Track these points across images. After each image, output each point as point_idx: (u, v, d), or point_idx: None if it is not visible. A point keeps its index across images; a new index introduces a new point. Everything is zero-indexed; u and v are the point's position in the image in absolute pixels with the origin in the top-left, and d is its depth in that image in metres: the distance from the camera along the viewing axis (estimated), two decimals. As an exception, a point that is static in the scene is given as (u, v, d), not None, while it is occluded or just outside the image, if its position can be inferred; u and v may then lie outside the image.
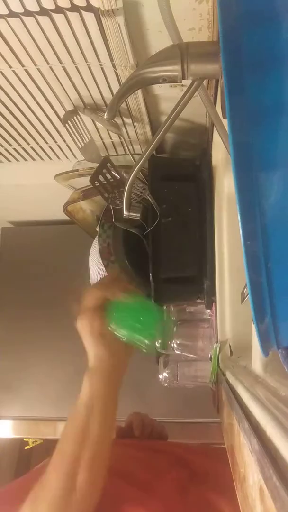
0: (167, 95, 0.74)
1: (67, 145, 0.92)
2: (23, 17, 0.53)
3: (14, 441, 1.56)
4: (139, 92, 0.70)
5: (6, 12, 0.51)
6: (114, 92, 0.70)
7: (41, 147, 0.93)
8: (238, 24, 0.26)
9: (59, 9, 0.51)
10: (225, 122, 0.34)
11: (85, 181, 0.93)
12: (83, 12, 0.51)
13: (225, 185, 0.75)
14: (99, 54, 0.60)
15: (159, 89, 0.73)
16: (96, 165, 0.84)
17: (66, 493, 0.47)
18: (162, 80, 0.40)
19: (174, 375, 1.06)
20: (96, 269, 1.01)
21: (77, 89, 0.71)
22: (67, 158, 0.98)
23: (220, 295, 0.78)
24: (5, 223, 1.57)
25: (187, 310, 1.10)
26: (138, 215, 0.60)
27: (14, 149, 0.93)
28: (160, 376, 1.08)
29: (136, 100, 0.73)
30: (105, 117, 0.43)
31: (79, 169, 0.96)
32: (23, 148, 0.93)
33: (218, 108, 0.50)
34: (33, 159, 0.99)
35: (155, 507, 0.57)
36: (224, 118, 0.39)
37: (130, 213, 0.54)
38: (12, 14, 0.52)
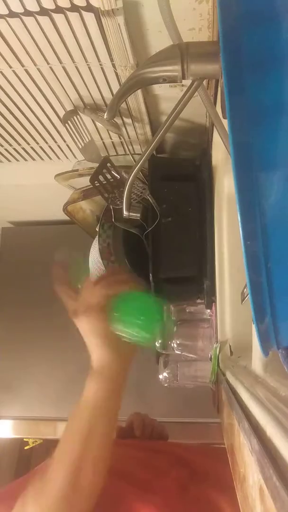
0: (167, 95, 0.74)
1: (67, 145, 0.92)
2: (23, 17, 0.53)
3: (14, 441, 1.56)
4: (139, 92, 0.70)
5: (6, 12, 0.51)
6: (114, 92, 0.70)
7: (41, 147, 0.93)
8: (238, 24, 0.26)
9: (59, 9, 0.51)
10: (225, 122, 0.34)
11: (85, 181, 0.93)
12: (83, 12, 0.51)
13: (225, 185, 0.75)
14: (99, 54, 0.60)
15: (159, 89, 0.73)
16: (96, 165, 0.84)
17: (70, 490, 0.47)
18: (162, 80, 0.40)
19: (174, 375, 1.06)
20: (96, 269, 1.01)
21: (77, 89, 0.71)
22: (67, 158, 0.98)
23: (220, 295, 0.78)
24: (5, 223, 1.57)
25: (187, 310, 1.10)
26: (138, 215, 0.60)
27: (14, 149, 0.93)
28: (160, 376, 1.08)
29: (136, 100, 0.73)
30: (105, 117, 0.43)
31: (79, 169, 0.96)
32: (23, 148, 0.93)
33: (218, 108, 0.50)
34: (33, 159, 0.99)
35: (155, 505, 0.57)
36: (224, 118, 0.39)
37: (130, 213, 0.54)
38: (12, 14, 0.52)
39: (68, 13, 0.51)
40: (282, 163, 0.25)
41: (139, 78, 0.41)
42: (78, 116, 0.79)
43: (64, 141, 0.90)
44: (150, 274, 0.79)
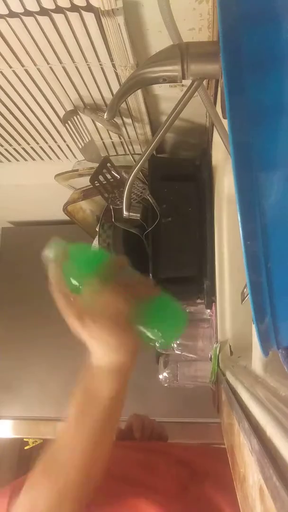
0: (167, 95, 0.74)
1: (67, 145, 0.92)
2: (23, 17, 0.53)
3: (14, 441, 1.56)
4: (139, 92, 0.70)
5: (6, 12, 0.51)
6: (114, 92, 0.70)
7: (41, 147, 0.93)
8: (238, 24, 0.26)
9: (59, 9, 0.51)
10: (225, 122, 0.34)
11: (85, 181, 0.93)
12: (83, 12, 0.51)
13: (225, 185, 0.75)
14: (99, 54, 0.60)
15: (159, 89, 0.73)
16: (96, 165, 0.84)
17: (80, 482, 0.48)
18: (162, 80, 0.40)
19: (174, 375, 1.06)
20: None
21: (77, 89, 0.71)
22: (67, 158, 0.98)
23: (220, 295, 0.78)
24: (5, 223, 1.57)
25: (187, 310, 1.10)
26: (138, 215, 0.60)
27: (14, 149, 0.93)
28: (160, 376, 1.08)
29: (136, 100, 0.73)
30: (105, 117, 0.43)
31: (79, 169, 0.96)
32: (23, 148, 0.93)
33: (218, 108, 0.50)
34: (33, 159, 0.99)
35: (160, 504, 0.57)
36: (224, 118, 0.39)
37: (130, 213, 0.54)
38: (12, 14, 0.52)
39: (68, 13, 0.52)
40: (282, 163, 0.25)
41: (139, 78, 0.41)
42: (78, 116, 0.79)
43: (64, 141, 0.90)
44: (150, 274, 0.79)
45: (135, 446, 0.85)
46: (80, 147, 0.88)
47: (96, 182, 0.82)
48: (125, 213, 0.54)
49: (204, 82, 0.50)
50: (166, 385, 1.08)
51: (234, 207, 0.24)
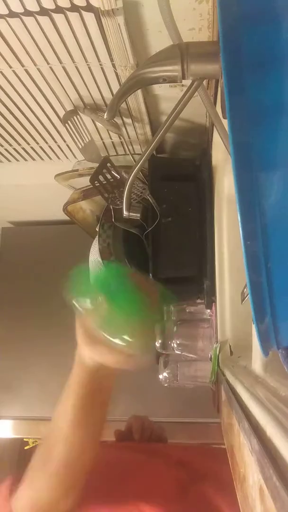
0: (167, 95, 0.74)
1: (67, 145, 0.92)
2: (23, 17, 0.53)
3: (14, 441, 1.56)
4: (139, 92, 0.70)
5: (6, 12, 0.51)
6: (114, 92, 0.70)
7: (41, 147, 0.93)
8: (238, 24, 0.26)
9: (59, 9, 0.51)
10: (225, 122, 0.34)
11: (85, 181, 0.93)
12: (83, 12, 0.51)
13: (225, 185, 0.75)
14: (99, 54, 0.60)
15: (159, 89, 0.73)
16: (96, 165, 0.84)
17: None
18: (162, 80, 0.40)
19: (174, 375, 1.06)
20: (96, 269, 1.01)
21: (77, 89, 0.71)
22: (67, 158, 0.98)
23: (220, 295, 0.78)
24: (5, 223, 1.57)
25: (187, 310, 1.10)
26: (138, 215, 0.60)
27: (14, 149, 0.93)
28: (160, 376, 1.08)
29: (136, 100, 0.73)
30: (105, 117, 0.43)
31: (79, 169, 0.96)
32: (23, 148, 0.93)
33: (218, 108, 0.50)
34: (33, 159, 0.99)
35: (154, 507, 0.57)
36: (224, 118, 0.39)
37: (130, 213, 0.54)
38: (12, 14, 0.52)
39: (68, 13, 0.51)
40: (282, 163, 0.25)
41: (139, 78, 0.41)
42: (78, 116, 0.79)
43: (64, 141, 0.90)
44: (150, 274, 0.79)
45: (134, 447, 0.85)
46: (80, 147, 0.88)
47: (96, 182, 0.82)
48: (125, 213, 0.54)
49: (204, 82, 0.50)
50: (166, 385, 1.08)
51: (234, 207, 0.24)
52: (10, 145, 0.91)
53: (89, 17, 0.52)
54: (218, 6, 0.27)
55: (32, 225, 1.54)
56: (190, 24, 0.56)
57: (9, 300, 1.47)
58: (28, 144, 0.91)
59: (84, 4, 0.49)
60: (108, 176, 0.84)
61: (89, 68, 0.64)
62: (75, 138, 0.85)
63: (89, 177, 0.82)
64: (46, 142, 0.90)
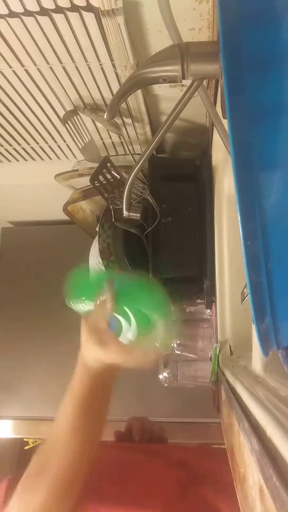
0: (167, 95, 0.74)
1: (67, 145, 0.92)
2: (23, 17, 0.53)
3: (14, 441, 1.56)
4: (139, 92, 0.70)
5: (6, 12, 0.51)
6: (114, 92, 0.70)
7: (41, 147, 0.93)
8: (238, 24, 0.26)
9: (59, 9, 0.51)
10: (225, 122, 0.34)
11: (85, 181, 0.93)
12: (83, 12, 0.51)
13: (225, 185, 0.75)
14: (99, 54, 0.60)
15: (159, 89, 0.73)
16: (96, 165, 0.84)
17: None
18: (162, 80, 0.40)
19: (174, 375, 1.06)
20: (96, 269, 1.01)
21: (77, 89, 0.71)
22: (67, 158, 0.98)
23: (220, 295, 0.78)
24: (5, 223, 1.57)
25: (187, 310, 1.10)
26: (138, 215, 0.60)
27: (14, 149, 0.93)
28: (160, 376, 1.08)
29: (136, 100, 0.73)
30: (105, 117, 0.43)
31: (79, 169, 0.96)
32: (23, 148, 0.93)
33: (218, 108, 0.50)
34: (33, 159, 0.99)
35: (154, 508, 0.57)
36: (224, 118, 0.39)
37: (130, 213, 0.54)
38: (12, 14, 0.52)
39: (68, 13, 0.51)
40: (282, 163, 0.25)
41: (139, 78, 0.41)
42: (78, 116, 0.79)
43: (64, 141, 0.90)
44: (150, 274, 0.79)
45: (134, 447, 0.85)
46: (80, 147, 0.88)
47: (96, 182, 0.82)
48: (125, 213, 0.54)
49: (204, 82, 0.50)
50: (166, 385, 1.08)
51: (234, 207, 0.24)
52: (10, 145, 0.91)
53: (89, 17, 0.52)
54: (218, 6, 0.27)
55: (32, 225, 1.54)
56: (190, 24, 0.55)
57: (9, 300, 1.47)
58: (28, 144, 0.91)
59: (84, 4, 0.49)
60: (108, 176, 0.84)
61: (89, 68, 0.64)
62: (75, 138, 0.85)
63: (89, 177, 0.82)
64: (46, 142, 0.90)
